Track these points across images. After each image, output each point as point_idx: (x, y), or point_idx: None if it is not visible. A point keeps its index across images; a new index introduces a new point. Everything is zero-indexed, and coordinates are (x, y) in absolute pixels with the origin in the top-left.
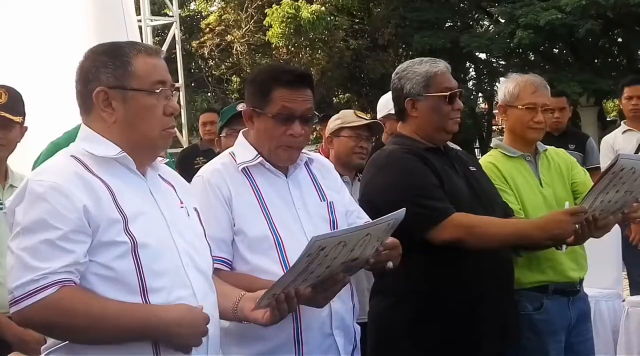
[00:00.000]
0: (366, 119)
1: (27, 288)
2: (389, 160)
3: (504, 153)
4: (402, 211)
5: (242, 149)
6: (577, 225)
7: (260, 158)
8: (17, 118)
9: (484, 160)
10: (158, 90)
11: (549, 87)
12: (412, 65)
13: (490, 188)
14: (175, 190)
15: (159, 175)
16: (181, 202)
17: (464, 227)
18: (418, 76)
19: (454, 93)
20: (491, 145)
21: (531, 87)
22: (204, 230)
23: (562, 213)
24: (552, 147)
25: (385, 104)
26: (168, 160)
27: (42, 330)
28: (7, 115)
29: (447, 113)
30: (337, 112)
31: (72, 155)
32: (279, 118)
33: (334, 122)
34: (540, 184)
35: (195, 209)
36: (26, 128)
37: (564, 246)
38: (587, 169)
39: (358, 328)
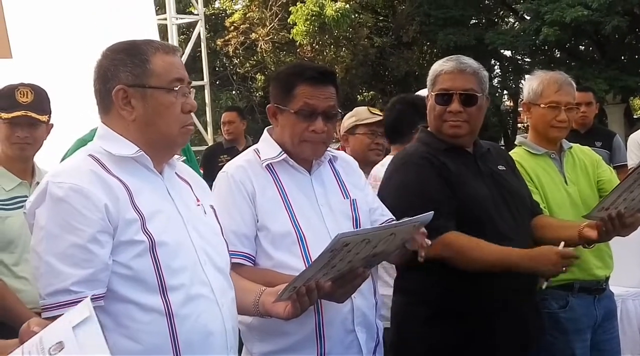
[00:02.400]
0: (380, 115)
1: (60, 298)
2: (404, 163)
3: (529, 151)
4: (429, 214)
5: (266, 146)
6: (564, 268)
7: (284, 155)
8: (43, 118)
9: None
10: (176, 88)
11: (574, 84)
12: (437, 62)
13: (519, 188)
14: (191, 187)
15: (175, 172)
16: (197, 200)
17: (453, 247)
18: (430, 73)
19: (445, 94)
20: (515, 142)
21: (555, 85)
22: (221, 227)
23: (555, 252)
24: (577, 144)
25: None
26: (185, 157)
27: None
28: (34, 114)
29: (440, 115)
30: None
31: (90, 154)
32: (301, 114)
33: (348, 120)
34: (565, 182)
35: (212, 206)
36: (52, 125)
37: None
38: (614, 167)
39: (381, 324)
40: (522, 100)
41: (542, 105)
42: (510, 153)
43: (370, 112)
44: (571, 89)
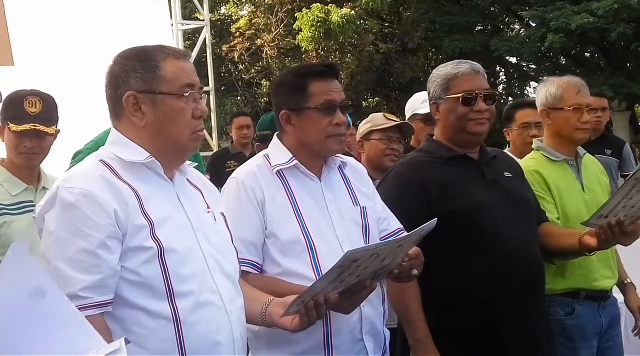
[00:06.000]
0: (395, 121)
1: None
2: (394, 174)
3: (547, 157)
4: (433, 222)
5: (277, 151)
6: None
7: (295, 162)
8: (51, 130)
9: (525, 163)
10: (187, 94)
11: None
12: (439, 69)
13: (525, 194)
14: (202, 194)
15: (187, 179)
16: (208, 207)
17: None
18: (439, 79)
19: (470, 96)
20: (533, 146)
21: (575, 88)
22: (231, 235)
23: None
24: (587, 153)
25: (411, 106)
26: (197, 163)
27: None
28: (42, 127)
29: (464, 115)
30: (367, 116)
31: (101, 160)
32: (324, 108)
33: (364, 126)
34: (583, 189)
35: (222, 214)
36: (59, 131)
37: None
38: (623, 176)
39: (388, 333)
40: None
41: (565, 108)
42: (527, 158)
43: (386, 118)
44: (587, 91)
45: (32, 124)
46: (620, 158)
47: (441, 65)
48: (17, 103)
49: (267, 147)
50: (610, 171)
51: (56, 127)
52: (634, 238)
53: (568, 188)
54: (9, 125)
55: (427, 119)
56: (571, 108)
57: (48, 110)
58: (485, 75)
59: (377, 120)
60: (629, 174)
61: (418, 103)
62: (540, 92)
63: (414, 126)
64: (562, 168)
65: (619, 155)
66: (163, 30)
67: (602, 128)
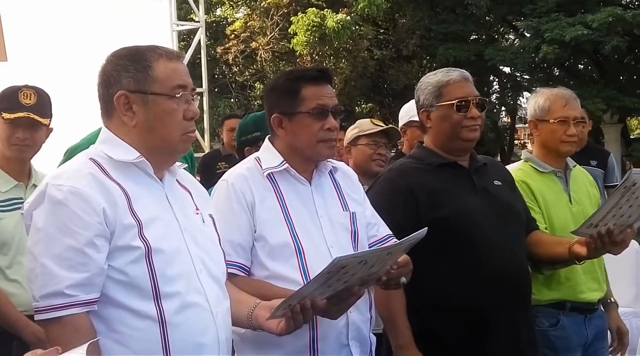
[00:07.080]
0: (382, 126)
1: (53, 301)
2: (383, 179)
3: (535, 168)
4: (424, 230)
5: (268, 154)
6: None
7: (286, 165)
8: (45, 121)
9: (514, 174)
10: (178, 95)
11: (578, 99)
12: (428, 76)
13: (514, 203)
14: (191, 195)
15: (176, 180)
16: (197, 208)
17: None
18: (430, 86)
19: (464, 102)
20: (522, 157)
21: (562, 100)
22: (219, 237)
23: None
24: (577, 165)
25: (407, 112)
26: (186, 165)
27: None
28: (36, 117)
29: (458, 122)
30: None
31: (90, 158)
32: (315, 112)
33: (351, 132)
34: (570, 201)
35: (211, 215)
36: (52, 129)
37: None
38: (607, 186)
39: (374, 338)
40: (519, 116)
41: (551, 121)
42: (515, 168)
43: (373, 123)
44: (577, 103)
45: (26, 113)
46: (605, 169)
47: (429, 73)
48: (11, 96)
49: (258, 149)
50: (596, 182)
51: (49, 122)
52: (623, 247)
53: (555, 200)
54: (1, 114)
55: None
56: (557, 121)
57: (42, 103)
58: (472, 83)
59: (364, 125)
60: (613, 184)
61: (415, 110)
62: (530, 103)
63: (411, 132)
64: (550, 179)
65: (604, 165)
66: (162, 30)
67: (585, 139)
